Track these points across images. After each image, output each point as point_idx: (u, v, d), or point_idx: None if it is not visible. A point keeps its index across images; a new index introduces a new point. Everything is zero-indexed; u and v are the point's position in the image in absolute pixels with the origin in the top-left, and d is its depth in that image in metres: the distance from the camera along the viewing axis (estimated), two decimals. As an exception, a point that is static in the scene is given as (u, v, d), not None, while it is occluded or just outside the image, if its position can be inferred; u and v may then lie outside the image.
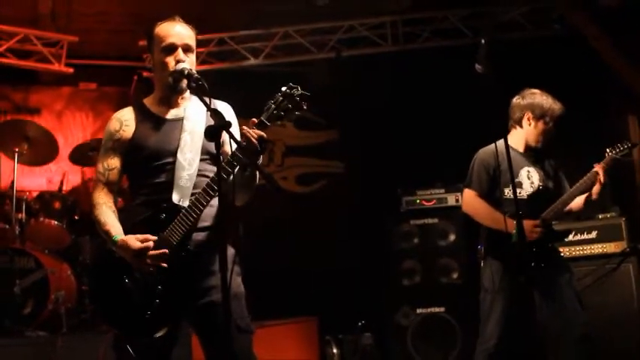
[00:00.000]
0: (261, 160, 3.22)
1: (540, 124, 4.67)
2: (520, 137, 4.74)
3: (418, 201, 6.89)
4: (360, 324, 6.87)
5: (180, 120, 3.32)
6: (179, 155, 3.21)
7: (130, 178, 3.32)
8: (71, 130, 8.42)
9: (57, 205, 6.62)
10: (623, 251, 6.09)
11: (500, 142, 4.35)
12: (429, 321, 6.59)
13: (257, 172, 3.26)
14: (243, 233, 7.33)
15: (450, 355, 6.48)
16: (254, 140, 3.14)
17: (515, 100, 4.78)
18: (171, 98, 3.34)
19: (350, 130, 8.19)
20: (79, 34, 7.85)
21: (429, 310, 6.62)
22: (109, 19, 7.80)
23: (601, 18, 6.86)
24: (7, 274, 5.88)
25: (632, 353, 5.76)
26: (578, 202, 4.62)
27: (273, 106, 3.48)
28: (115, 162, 3.25)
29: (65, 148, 7.49)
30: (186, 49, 3.29)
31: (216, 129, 2.92)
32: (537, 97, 4.71)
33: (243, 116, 9.11)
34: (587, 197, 4.56)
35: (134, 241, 3.05)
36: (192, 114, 3.34)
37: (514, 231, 4.24)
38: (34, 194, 6.76)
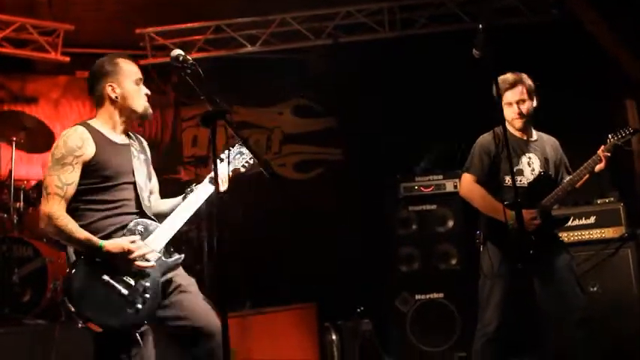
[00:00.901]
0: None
1: (505, 107, 4.64)
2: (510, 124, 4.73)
3: (416, 187, 6.88)
4: (358, 310, 6.87)
5: (128, 145, 3.60)
6: (137, 177, 3.53)
7: (84, 195, 3.44)
8: (68, 118, 8.39)
9: (54, 193, 6.59)
10: (622, 236, 6.09)
11: (499, 129, 4.36)
12: (428, 307, 6.60)
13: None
14: (242, 221, 7.34)
15: (448, 340, 6.49)
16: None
17: None
18: (122, 125, 3.62)
19: (348, 117, 8.18)
20: (75, 22, 7.82)
21: (427, 296, 6.63)
22: (104, 8, 7.75)
23: (598, 3, 6.83)
24: (5, 263, 5.87)
25: (631, 338, 5.77)
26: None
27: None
28: (73, 177, 3.39)
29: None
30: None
31: (212, 115, 2.94)
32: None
33: (241, 103, 9.16)
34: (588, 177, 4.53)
35: (126, 241, 3.33)
36: (132, 141, 3.65)
37: (511, 220, 4.25)
38: (32, 183, 6.75)
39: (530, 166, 4.63)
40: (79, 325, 3.30)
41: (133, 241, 3.36)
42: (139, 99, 3.62)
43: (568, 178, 4.58)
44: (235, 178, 3.80)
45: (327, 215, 7.61)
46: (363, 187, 7.55)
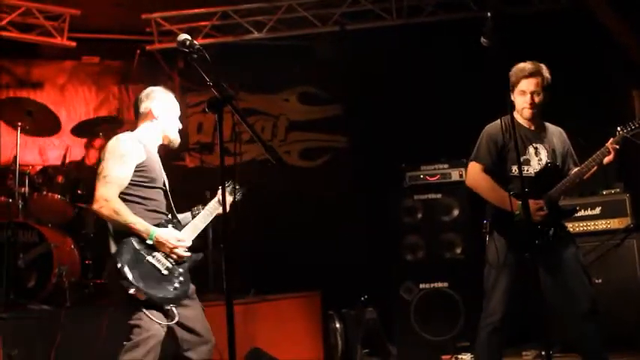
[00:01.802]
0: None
1: (517, 95, 4.61)
2: (518, 114, 4.70)
3: (422, 176, 6.86)
4: (362, 299, 6.87)
5: (158, 158, 4.17)
6: (166, 185, 4.13)
7: (130, 190, 3.94)
8: (74, 104, 8.40)
9: (60, 179, 6.61)
10: (627, 227, 6.09)
11: (506, 118, 4.34)
12: (433, 296, 6.60)
13: None
14: (246, 209, 7.33)
15: (452, 329, 6.49)
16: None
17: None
18: (157, 145, 4.19)
19: (354, 105, 8.15)
20: (81, 7, 7.80)
21: (432, 285, 6.62)
22: (111, -8, 7.75)
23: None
24: (10, 248, 5.88)
25: (636, 327, 5.77)
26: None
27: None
28: (128, 172, 3.91)
29: (68, 122, 7.47)
30: None
31: (218, 101, 2.96)
32: (512, 70, 4.64)
33: (246, 90, 9.14)
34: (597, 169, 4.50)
35: (174, 237, 3.93)
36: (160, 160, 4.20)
37: (517, 211, 4.27)
38: (37, 168, 6.75)
39: (537, 156, 4.61)
40: (131, 291, 3.69)
41: (179, 239, 3.95)
42: (175, 132, 4.22)
43: (576, 169, 4.54)
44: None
45: (332, 203, 7.60)
46: (369, 176, 7.53)
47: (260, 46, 8.17)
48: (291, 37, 8.08)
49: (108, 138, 4.21)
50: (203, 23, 8.12)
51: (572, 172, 4.55)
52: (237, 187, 4.33)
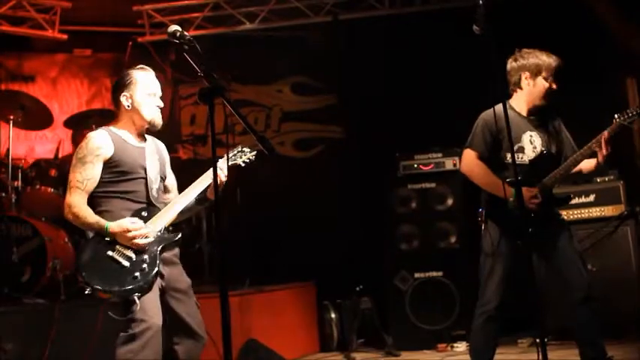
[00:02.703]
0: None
1: (539, 81, 4.61)
2: (522, 100, 4.68)
3: (416, 165, 6.87)
4: (358, 289, 6.88)
5: (142, 147, 4.12)
6: (148, 173, 4.06)
7: (104, 187, 3.97)
8: (66, 97, 8.37)
9: (53, 172, 6.58)
10: (621, 214, 6.10)
11: (500, 107, 4.33)
12: (427, 285, 6.62)
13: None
14: (240, 200, 7.33)
15: (447, 319, 6.50)
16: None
17: (510, 63, 4.71)
18: (140, 132, 4.12)
19: (348, 95, 8.13)
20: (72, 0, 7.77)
21: (427, 274, 6.64)
22: (102, -16, 7.72)
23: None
24: (4, 242, 5.86)
25: (631, 315, 5.78)
26: (588, 164, 4.57)
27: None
28: (93, 173, 3.93)
29: (61, 115, 7.45)
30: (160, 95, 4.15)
31: (210, 92, 2.95)
32: (531, 55, 4.64)
33: (239, 81, 9.11)
34: (597, 163, 4.50)
35: (127, 221, 3.85)
36: (147, 144, 4.15)
37: (511, 198, 4.26)
38: (30, 162, 6.73)
39: (531, 144, 4.60)
40: (87, 292, 3.74)
41: (133, 222, 3.86)
42: (150, 109, 4.07)
43: (571, 157, 4.54)
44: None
45: (327, 193, 7.59)
46: (363, 165, 7.52)
47: (252, 37, 8.14)
48: (283, 28, 8.05)
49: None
50: (195, 15, 8.09)
51: (568, 159, 4.55)
52: (244, 149, 4.23)
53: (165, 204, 4.10)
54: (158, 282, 3.91)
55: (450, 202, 6.77)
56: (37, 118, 6.72)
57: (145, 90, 4.07)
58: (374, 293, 6.89)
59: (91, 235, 3.90)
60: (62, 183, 6.53)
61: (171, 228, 4.03)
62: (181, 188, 4.21)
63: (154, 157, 4.16)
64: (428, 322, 6.57)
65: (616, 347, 5.16)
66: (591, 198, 6.28)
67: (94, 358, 5.14)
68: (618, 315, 5.70)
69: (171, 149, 4.54)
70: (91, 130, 6.13)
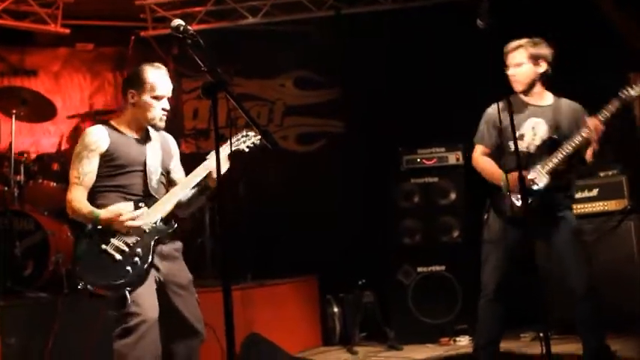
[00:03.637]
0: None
1: (531, 67, 4.62)
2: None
3: (419, 160, 6.86)
4: (360, 283, 6.88)
5: (143, 140, 4.13)
6: (148, 164, 4.06)
7: (101, 182, 4.00)
8: (69, 91, 8.36)
9: (55, 166, 6.59)
10: (625, 209, 6.08)
11: (504, 98, 4.36)
12: (430, 279, 6.61)
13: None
14: (243, 194, 7.33)
15: (450, 313, 6.50)
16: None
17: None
18: (140, 128, 4.12)
19: (350, 89, 8.11)
20: (74, -7, 7.76)
21: (429, 268, 6.63)
22: (104, -22, 7.70)
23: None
24: (6, 236, 5.86)
25: (634, 310, 5.77)
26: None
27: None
28: (90, 168, 3.96)
29: (63, 110, 7.44)
30: (168, 96, 4.12)
31: (213, 86, 2.95)
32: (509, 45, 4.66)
33: (242, 75, 9.09)
34: (593, 149, 4.49)
35: (116, 208, 3.86)
36: (151, 138, 4.16)
37: (502, 182, 4.42)
38: (33, 156, 6.73)
39: (532, 131, 4.60)
40: (79, 287, 3.77)
41: (120, 213, 3.84)
42: (151, 111, 4.05)
43: (569, 141, 4.50)
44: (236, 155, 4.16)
45: (329, 187, 7.59)
46: (366, 160, 7.51)
47: (255, 31, 8.13)
48: (286, 22, 8.03)
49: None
50: (197, 9, 8.07)
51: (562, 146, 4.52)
52: (249, 133, 4.19)
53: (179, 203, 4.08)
54: (155, 275, 3.92)
55: (452, 196, 6.76)
56: (40, 111, 6.71)
57: (153, 92, 4.05)
58: (376, 287, 6.89)
59: (88, 228, 3.89)
60: (65, 177, 6.45)
61: (171, 221, 4.02)
62: (184, 182, 4.20)
63: (156, 150, 4.16)
64: (430, 316, 6.56)
65: (619, 342, 5.17)
66: (594, 192, 6.27)
67: (96, 351, 5.14)
68: (621, 310, 5.68)
69: (174, 143, 4.50)
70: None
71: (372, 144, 7.51)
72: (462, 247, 6.60)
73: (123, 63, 8.40)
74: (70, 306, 5.42)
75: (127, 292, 3.74)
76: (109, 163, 3.99)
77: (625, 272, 5.94)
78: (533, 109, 4.65)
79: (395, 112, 7.54)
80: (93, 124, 4.22)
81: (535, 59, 4.60)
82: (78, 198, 3.91)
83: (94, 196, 3.99)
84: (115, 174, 4.00)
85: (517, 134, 4.44)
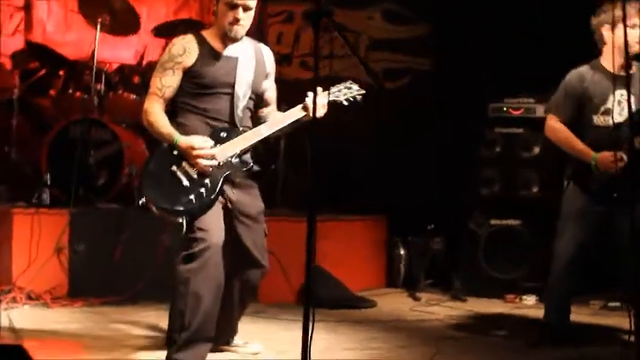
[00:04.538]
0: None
1: (619, 32, 4.26)
2: (609, 56, 4.40)
3: (505, 109, 6.59)
4: (429, 228, 6.75)
5: (235, 58, 3.89)
6: (237, 88, 3.85)
7: (184, 98, 3.86)
8: (154, 4, 8.27)
9: (136, 79, 6.59)
10: None
11: (584, 68, 4.33)
12: (503, 233, 6.42)
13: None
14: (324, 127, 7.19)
15: (519, 269, 6.32)
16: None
17: (592, 19, 4.47)
18: (228, 40, 3.88)
19: (441, 27, 7.80)
20: None
21: (504, 221, 6.43)
22: None
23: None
24: (82, 144, 5.91)
25: None
26: None
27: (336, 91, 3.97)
28: (172, 81, 3.80)
29: (148, 22, 7.38)
30: (246, 8, 3.81)
31: (317, 13, 2.92)
32: (608, 8, 4.29)
33: (330, 3, 8.77)
34: None
35: (197, 139, 3.72)
36: (244, 55, 3.92)
37: (593, 161, 4.24)
38: (114, 66, 6.71)
39: (620, 105, 4.32)
40: (140, 203, 3.79)
41: (204, 141, 3.73)
42: (224, 20, 3.81)
43: None
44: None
45: (408, 127, 7.40)
46: (449, 103, 7.27)
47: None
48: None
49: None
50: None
51: None
52: (352, 86, 4.01)
53: (250, 128, 3.90)
54: (223, 202, 3.83)
55: (536, 150, 6.49)
56: (124, 22, 6.66)
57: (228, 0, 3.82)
58: (447, 235, 6.76)
59: (165, 146, 3.80)
60: (145, 90, 6.48)
61: (249, 157, 3.91)
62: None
63: (249, 69, 3.94)
64: (499, 270, 6.38)
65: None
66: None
67: (162, 266, 5.18)
68: None
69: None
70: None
71: (458, 87, 7.25)
72: (540, 203, 6.37)
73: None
74: (139, 219, 5.47)
75: (183, 220, 3.67)
76: (194, 81, 3.82)
77: None
78: (620, 79, 4.26)
79: (485, 56, 7.23)
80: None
81: None
82: (156, 111, 3.79)
83: (174, 112, 3.87)
84: (198, 93, 3.84)
85: (603, 109, 4.34)
